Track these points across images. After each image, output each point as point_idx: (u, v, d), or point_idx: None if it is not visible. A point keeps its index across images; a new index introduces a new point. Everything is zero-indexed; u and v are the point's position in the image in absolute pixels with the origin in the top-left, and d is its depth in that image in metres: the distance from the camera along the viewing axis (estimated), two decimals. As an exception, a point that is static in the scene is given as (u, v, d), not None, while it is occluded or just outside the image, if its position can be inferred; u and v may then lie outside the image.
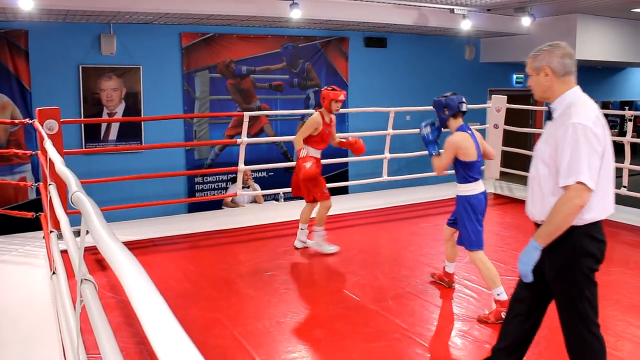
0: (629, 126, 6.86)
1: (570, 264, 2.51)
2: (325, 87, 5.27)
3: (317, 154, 5.26)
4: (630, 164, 6.79)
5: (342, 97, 5.11)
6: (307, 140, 5.20)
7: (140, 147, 8.01)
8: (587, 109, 2.50)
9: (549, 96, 2.63)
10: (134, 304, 1.01)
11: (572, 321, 2.59)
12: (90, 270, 2.10)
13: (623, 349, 3.45)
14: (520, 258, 2.56)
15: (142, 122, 8.16)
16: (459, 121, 4.02)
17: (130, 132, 8.11)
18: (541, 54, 2.64)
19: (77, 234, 2.14)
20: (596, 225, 2.53)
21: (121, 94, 7.99)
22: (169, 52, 8.32)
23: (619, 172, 6.98)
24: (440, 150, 4.02)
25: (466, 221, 3.96)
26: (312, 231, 5.39)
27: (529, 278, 2.53)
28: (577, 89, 2.60)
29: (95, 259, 4.70)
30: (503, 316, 3.48)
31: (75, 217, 3.36)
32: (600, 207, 2.52)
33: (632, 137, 6.88)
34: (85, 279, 1.82)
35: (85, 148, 7.73)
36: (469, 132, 3.97)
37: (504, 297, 3.75)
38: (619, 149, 6.92)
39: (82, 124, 7.81)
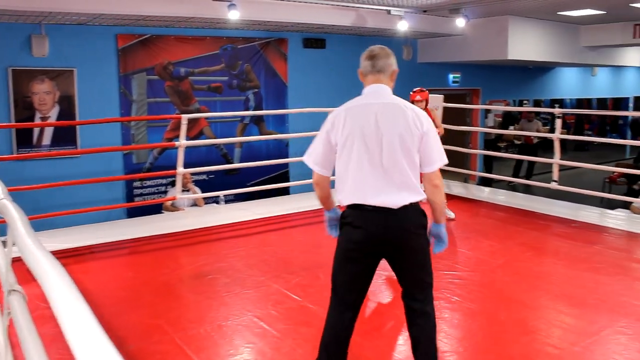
0: (558, 123, 7.12)
1: (340, 233, 2.86)
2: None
3: None
4: (560, 159, 7.08)
5: (417, 97, 5.97)
6: None
7: (76, 151, 7.80)
8: (352, 101, 2.85)
9: None
10: (57, 315, 1.00)
11: None
12: (26, 280, 2.04)
13: (553, 336, 3.61)
14: (326, 221, 3.06)
15: (78, 126, 7.95)
16: None
17: (65, 136, 7.89)
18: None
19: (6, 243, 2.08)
20: (349, 208, 2.77)
21: (54, 97, 7.76)
22: (105, 54, 8.13)
23: (549, 167, 7.28)
24: None
25: None
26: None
27: (333, 233, 3.00)
28: (369, 87, 2.87)
29: (29, 268, 4.56)
30: None
31: (3, 225, 3.26)
32: (347, 193, 2.76)
33: (561, 134, 7.15)
34: (13, 290, 1.77)
35: (17, 154, 7.47)
36: None
37: None
38: (549, 145, 7.22)
39: (13, 129, 7.54)
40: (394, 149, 2.69)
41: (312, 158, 2.87)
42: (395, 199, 2.70)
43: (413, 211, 2.73)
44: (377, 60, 2.86)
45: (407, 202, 2.71)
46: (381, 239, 2.72)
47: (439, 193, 2.81)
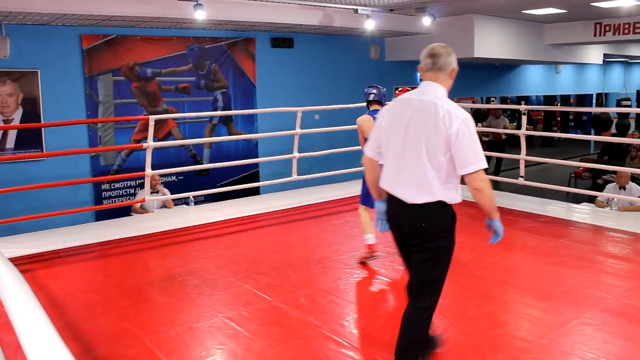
0: (524, 120, 7.24)
1: None
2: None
3: None
4: (527, 155, 7.20)
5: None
6: None
7: (42, 154, 7.65)
8: (404, 94, 2.99)
9: None
10: (14, 322, 0.99)
11: None
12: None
13: (521, 329, 3.67)
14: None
15: (43, 129, 7.80)
16: (373, 106, 5.08)
17: (29, 139, 7.73)
18: None
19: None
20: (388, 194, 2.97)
21: (18, 99, 7.60)
22: (69, 54, 7.99)
23: (516, 163, 7.40)
24: None
25: (363, 182, 5.01)
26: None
27: (378, 226, 3.13)
28: (421, 83, 2.94)
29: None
30: (368, 255, 4.96)
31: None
32: (382, 177, 2.98)
33: (527, 130, 7.27)
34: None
35: (-20, 158, 7.31)
36: (374, 116, 4.89)
37: (371, 241, 4.97)
38: (517, 141, 7.34)
39: (-25, 133, 7.37)
40: (418, 146, 2.75)
41: (369, 146, 3.06)
42: (408, 195, 2.81)
43: (429, 211, 2.78)
44: (438, 58, 2.88)
45: (420, 201, 2.77)
46: (399, 224, 2.92)
47: (482, 196, 2.79)
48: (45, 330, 0.89)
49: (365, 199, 5.01)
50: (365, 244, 5.01)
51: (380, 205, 3.07)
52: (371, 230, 4.98)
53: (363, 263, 4.99)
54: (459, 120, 2.69)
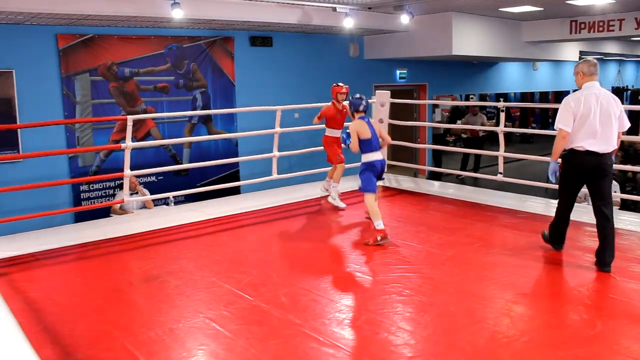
0: (502, 117, 7.27)
1: (564, 167, 4.77)
2: (333, 84, 6.89)
3: (334, 133, 6.88)
4: (506, 151, 7.25)
5: (344, 89, 6.79)
6: (327, 123, 6.90)
7: (18, 156, 7.54)
8: (580, 92, 4.61)
9: (578, 86, 4.71)
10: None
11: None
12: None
13: (502, 324, 3.70)
14: (549, 169, 4.90)
15: (19, 130, 7.70)
16: (361, 114, 5.82)
17: (5, 140, 7.63)
18: (577, 65, 4.72)
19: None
20: (575, 151, 4.63)
21: (-8, 100, 7.50)
22: (45, 54, 7.90)
23: (495, 160, 7.46)
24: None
25: (361, 174, 5.68)
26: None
27: (553, 179, 4.90)
28: (589, 83, 4.61)
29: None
30: (378, 239, 5.36)
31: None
32: (582, 141, 4.57)
33: (506, 126, 7.32)
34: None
35: (-46, 160, 7.19)
36: (365, 120, 5.73)
37: (380, 227, 5.42)
38: (496, 138, 7.39)
39: (-51, 134, 7.25)
40: (610, 118, 4.55)
41: (562, 123, 4.61)
42: (602, 148, 4.55)
43: (608, 155, 4.60)
44: (597, 67, 4.65)
45: (608, 150, 4.57)
46: (591, 168, 4.58)
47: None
48: (13, 337, 0.88)
49: (367, 185, 5.61)
50: (377, 229, 5.42)
51: (555, 165, 4.80)
52: (380, 217, 5.46)
53: (379, 245, 5.38)
54: (619, 102, 4.64)
